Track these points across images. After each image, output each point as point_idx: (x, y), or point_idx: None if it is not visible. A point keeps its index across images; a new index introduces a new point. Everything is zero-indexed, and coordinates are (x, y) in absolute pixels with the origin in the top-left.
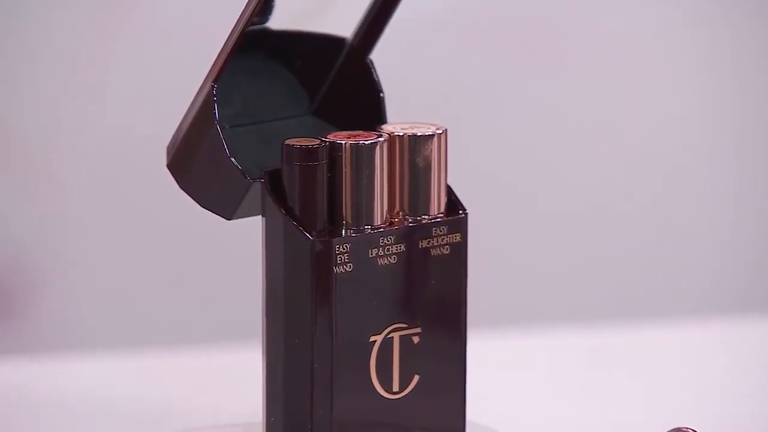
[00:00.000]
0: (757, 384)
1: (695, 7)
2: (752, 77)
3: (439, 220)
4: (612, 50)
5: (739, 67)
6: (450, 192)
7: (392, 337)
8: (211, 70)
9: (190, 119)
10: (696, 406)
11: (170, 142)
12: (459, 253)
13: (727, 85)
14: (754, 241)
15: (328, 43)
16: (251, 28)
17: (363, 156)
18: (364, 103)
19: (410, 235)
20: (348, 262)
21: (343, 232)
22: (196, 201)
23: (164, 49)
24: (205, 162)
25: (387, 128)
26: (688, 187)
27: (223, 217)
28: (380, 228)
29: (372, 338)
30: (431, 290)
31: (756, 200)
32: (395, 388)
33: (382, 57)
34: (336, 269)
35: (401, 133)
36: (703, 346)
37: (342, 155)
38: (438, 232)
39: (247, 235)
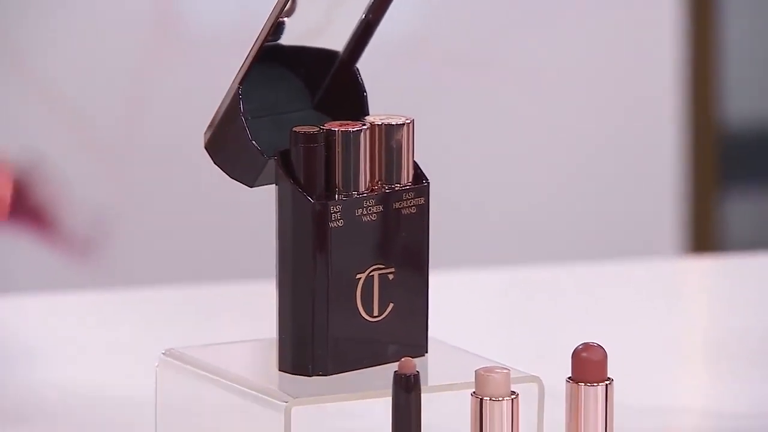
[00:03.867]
0: (655, 312)
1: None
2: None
3: (408, 187)
4: (528, 64)
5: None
6: (416, 166)
7: (373, 275)
8: (237, 75)
9: (221, 112)
10: (605, 328)
11: (206, 129)
12: (423, 212)
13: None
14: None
15: (325, 55)
16: (267, 44)
17: (351, 140)
18: (352, 101)
19: (387, 199)
20: (340, 219)
21: (336, 196)
22: (226, 173)
23: (202, 61)
24: (233, 144)
25: (369, 119)
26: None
27: (247, 186)
28: (364, 193)
29: (358, 276)
30: (402, 240)
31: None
32: (375, 313)
33: (365, 66)
34: (331, 225)
35: (380, 123)
36: (615, 281)
37: (335, 139)
38: (407, 196)
39: (264, 199)
